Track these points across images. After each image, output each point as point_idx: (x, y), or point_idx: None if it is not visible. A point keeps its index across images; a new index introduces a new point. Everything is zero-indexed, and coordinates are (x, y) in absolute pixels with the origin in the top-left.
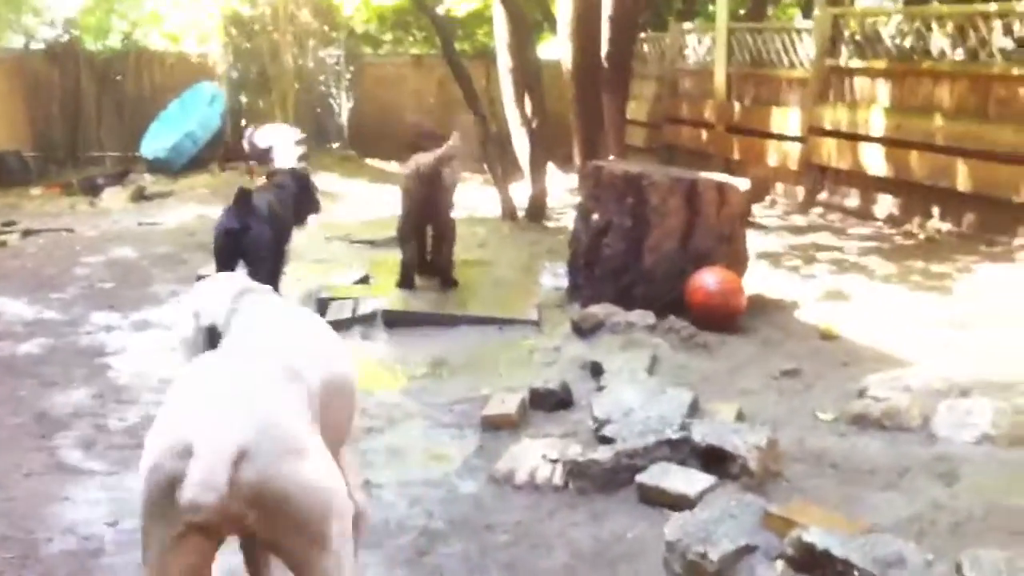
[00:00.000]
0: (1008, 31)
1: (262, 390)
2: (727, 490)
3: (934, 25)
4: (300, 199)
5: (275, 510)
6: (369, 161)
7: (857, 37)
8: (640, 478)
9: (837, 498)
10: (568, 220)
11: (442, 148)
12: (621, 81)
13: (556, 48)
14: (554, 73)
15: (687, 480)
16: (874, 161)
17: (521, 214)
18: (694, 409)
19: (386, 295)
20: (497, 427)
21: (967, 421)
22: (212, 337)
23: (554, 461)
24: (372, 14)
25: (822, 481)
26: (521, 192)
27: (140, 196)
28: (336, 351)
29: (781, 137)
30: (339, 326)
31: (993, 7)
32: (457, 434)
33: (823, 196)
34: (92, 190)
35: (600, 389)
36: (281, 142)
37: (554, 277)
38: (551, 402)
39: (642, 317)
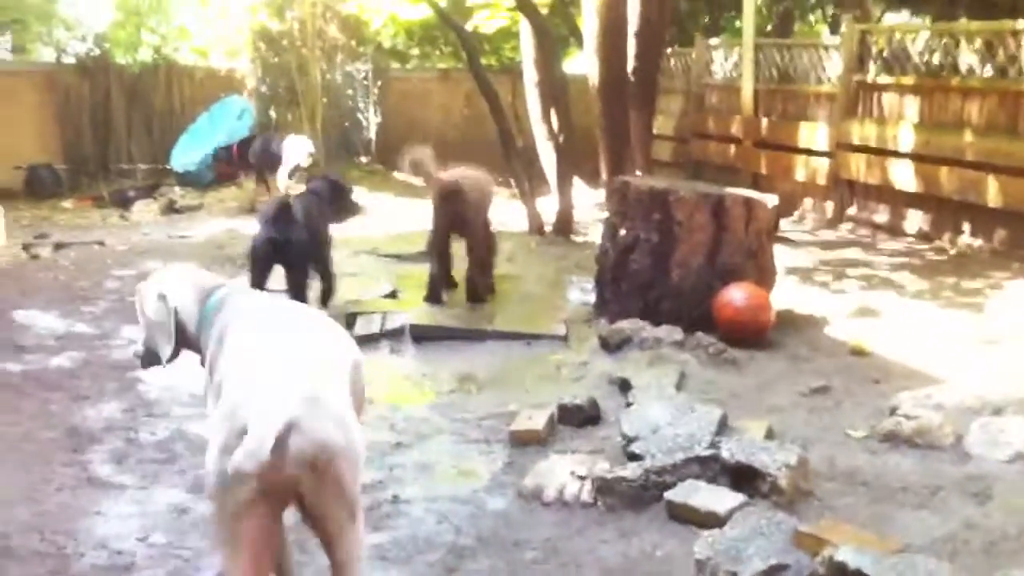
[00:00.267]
0: None
1: (313, 369)
2: (757, 508)
3: (962, 41)
4: (336, 202)
5: (323, 473)
6: (396, 175)
7: (885, 53)
8: (669, 495)
9: (868, 517)
10: (595, 235)
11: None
12: (648, 96)
13: (582, 63)
14: (580, 88)
15: (716, 498)
16: (903, 177)
17: (548, 229)
18: (723, 426)
19: (414, 309)
20: (525, 443)
21: (1000, 439)
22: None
23: (582, 478)
24: (399, 28)
25: (853, 499)
26: (548, 207)
27: (170, 209)
28: (346, 335)
29: (809, 152)
30: (367, 341)
31: (1022, 24)
32: (485, 450)
33: (852, 211)
34: (123, 203)
35: (628, 405)
36: (293, 151)
37: (581, 292)
38: (579, 418)
39: (670, 333)
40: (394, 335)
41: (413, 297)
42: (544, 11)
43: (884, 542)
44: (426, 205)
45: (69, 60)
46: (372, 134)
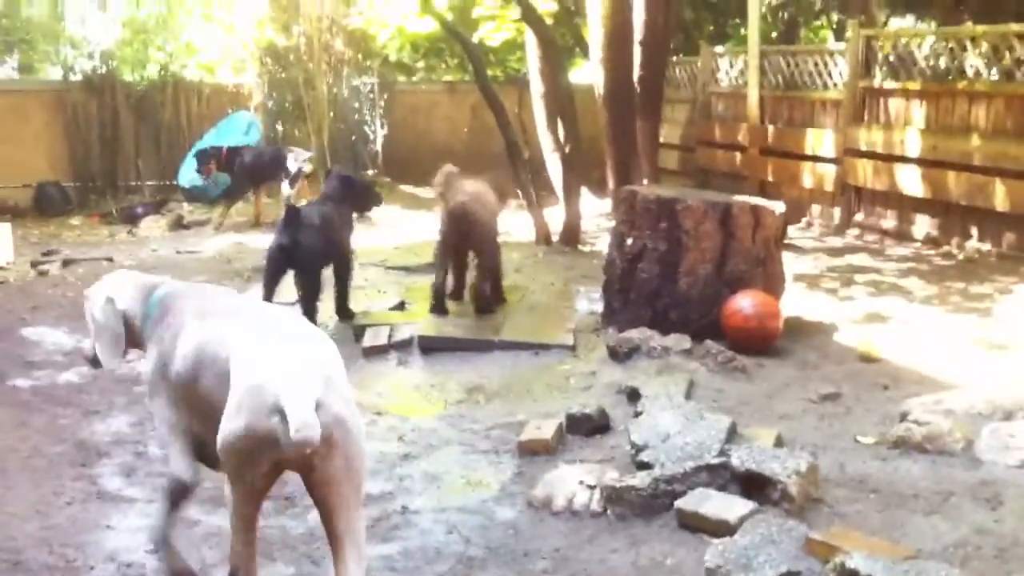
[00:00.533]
0: None
1: (321, 355)
2: (767, 516)
3: (968, 45)
4: (351, 198)
5: (340, 445)
6: (403, 187)
7: (891, 58)
8: (679, 504)
9: (879, 523)
10: (602, 245)
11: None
12: (653, 105)
13: (588, 73)
14: (586, 98)
15: (727, 506)
16: (911, 182)
17: (555, 239)
18: (732, 434)
19: (422, 321)
20: (534, 453)
21: (1011, 445)
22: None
23: (592, 487)
24: (406, 42)
25: (864, 506)
26: (555, 217)
27: (178, 225)
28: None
29: (816, 159)
30: (376, 352)
31: None
32: (494, 460)
33: (859, 217)
34: (131, 219)
35: (637, 414)
36: (293, 161)
37: (589, 302)
38: (588, 427)
39: (678, 341)
40: (402, 347)
41: (422, 309)
42: (549, 22)
43: (895, 549)
44: (434, 217)
45: (76, 78)
46: (379, 147)
